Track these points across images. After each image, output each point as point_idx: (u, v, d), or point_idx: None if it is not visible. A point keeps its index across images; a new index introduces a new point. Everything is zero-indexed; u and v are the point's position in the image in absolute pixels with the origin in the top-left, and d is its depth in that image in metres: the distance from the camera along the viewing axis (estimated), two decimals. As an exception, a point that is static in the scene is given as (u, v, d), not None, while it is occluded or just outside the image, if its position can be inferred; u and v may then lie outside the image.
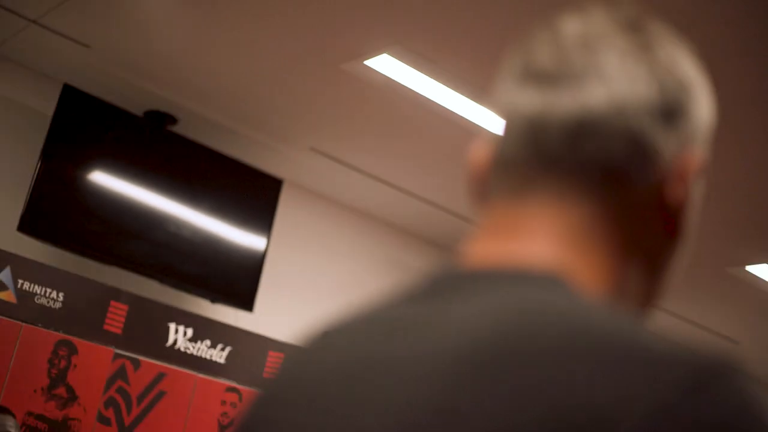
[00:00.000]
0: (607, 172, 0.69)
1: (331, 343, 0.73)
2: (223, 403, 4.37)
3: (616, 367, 0.55)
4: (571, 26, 0.73)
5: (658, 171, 0.70)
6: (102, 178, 4.27)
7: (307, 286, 5.14)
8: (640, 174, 0.69)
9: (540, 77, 0.71)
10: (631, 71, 0.70)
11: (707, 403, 0.53)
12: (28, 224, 4.03)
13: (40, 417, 3.88)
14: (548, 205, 0.70)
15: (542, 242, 0.68)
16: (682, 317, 6.08)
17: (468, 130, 4.08)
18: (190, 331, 4.37)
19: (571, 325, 0.58)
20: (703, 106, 0.74)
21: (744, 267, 5.12)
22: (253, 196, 4.79)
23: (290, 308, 5.04)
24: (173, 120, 4.56)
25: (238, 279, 4.68)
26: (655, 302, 0.74)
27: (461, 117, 4.02)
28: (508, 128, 0.72)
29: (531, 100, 0.71)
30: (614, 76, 0.70)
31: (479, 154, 0.77)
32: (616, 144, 0.69)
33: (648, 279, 0.73)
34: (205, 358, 4.37)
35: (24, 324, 3.89)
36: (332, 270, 5.27)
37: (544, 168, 0.70)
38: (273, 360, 4.54)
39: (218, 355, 4.39)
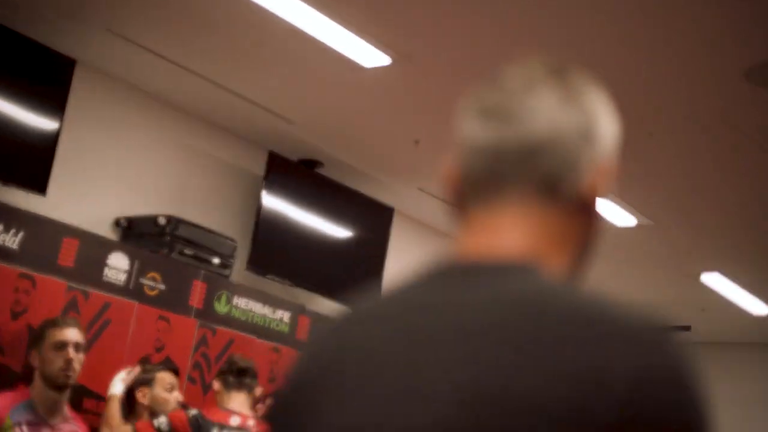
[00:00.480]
0: (550, 183, 0.96)
1: (370, 316, 0.95)
2: (16, 290, 4.23)
3: (609, 338, 0.81)
4: (514, 76, 0.99)
5: (584, 178, 0.97)
6: None
7: (103, 173, 5.00)
8: (572, 182, 0.96)
9: (494, 116, 0.97)
10: (560, 108, 0.97)
11: (665, 353, 0.82)
12: None
13: None
14: (512, 211, 0.96)
15: (514, 238, 0.95)
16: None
17: (278, 25, 4.07)
18: (-21, 216, 4.18)
19: (567, 307, 0.85)
20: (609, 129, 1.00)
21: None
22: (44, 76, 4.58)
23: (86, 195, 4.90)
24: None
25: (29, 161, 4.50)
26: (585, 273, 1.01)
27: (271, 12, 4.01)
28: (473, 154, 0.98)
29: (489, 134, 0.97)
30: (548, 113, 0.96)
31: (450, 171, 1.01)
32: (554, 162, 0.96)
33: (582, 257, 1.00)
34: (-3, 244, 4.20)
35: None
36: (130, 157, 5.15)
37: (505, 183, 0.96)
38: (68, 247, 4.42)
39: (11, 240, 4.23)
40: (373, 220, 6.12)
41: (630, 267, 7.35)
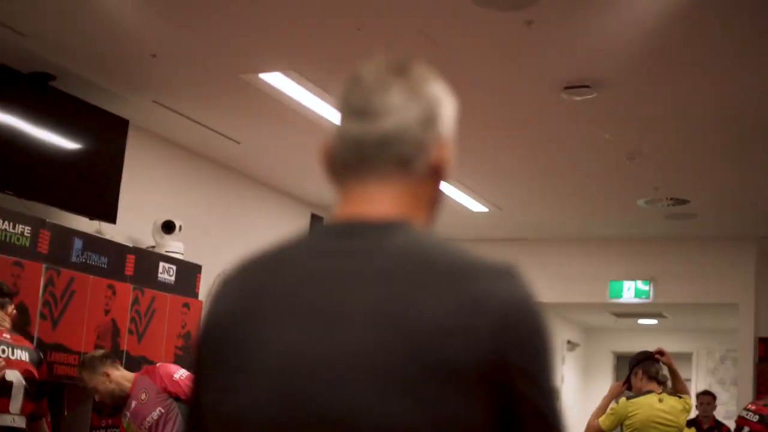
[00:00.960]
0: (403, 162, 1.26)
1: (279, 261, 1.23)
2: None
3: (483, 274, 1.15)
4: (369, 75, 1.27)
5: (430, 154, 1.27)
6: None
7: None
8: (421, 159, 1.26)
9: (356, 114, 1.26)
10: (406, 104, 1.26)
11: (518, 282, 1.16)
12: None
13: None
14: (379, 185, 1.25)
15: (383, 205, 1.25)
16: (197, 121, 6.57)
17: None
18: None
19: (443, 253, 1.18)
20: (447, 111, 1.30)
21: (257, 74, 5.70)
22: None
23: None
24: None
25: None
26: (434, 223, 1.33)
27: None
28: (342, 143, 1.27)
29: (353, 127, 1.26)
30: (397, 109, 1.25)
31: (324, 154, 1.30)
32: (404, 147, 1.25)
33: (433, 213, 1.31)
34: None
35: None
36: None
37: (371, 165, 1.25)
38: None
39: None
40: (108, 133, 6.16)
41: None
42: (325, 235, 1.25)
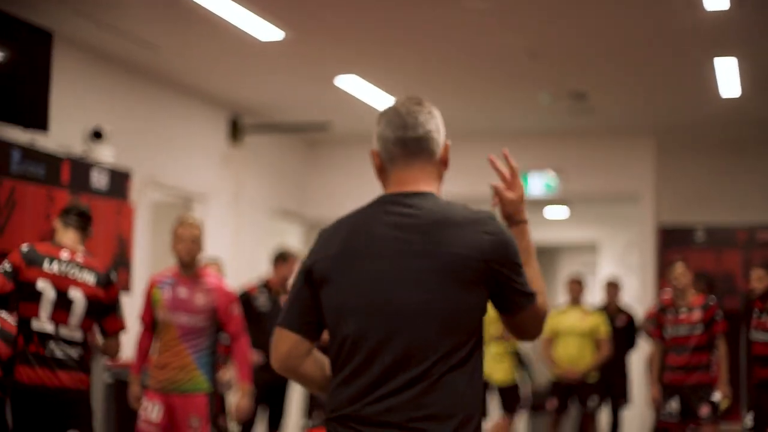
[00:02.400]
0: (430, 155, 2.28)
1: (365, 215, 2.27)
2: None
3: (468, 228, 2.18)
4: (400, 106, 2.29)
5: (441, 150, 2.30)
6: None
7: None
8: (438, 153, 2.29)
9: (400, 127, 2.27)
10: (427, 119, 2.28)
11: (497, 224, 2.24)
12: None
13: None
14: (417, 169, 2.27)
15: (421, 182, 2.27)
16: (119, 29, 6.77)
17: None
18: None
19: (448, 211, 2.21)
20: (443, 126, 2.31)
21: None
22: None
23: None
24: None
25: None
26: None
27: None
28: (393, 145, 2.27)
29: (399, 135, 2.27)
30: (423, 122, 2.27)
31: (375, 154, 2.30)
32: (431, 144, 2.28)
33: (441, 185, 2.32)
34: None
35: None
36: None
37: (412, 157, 2.26)
38: None
39: None
40: (34, 44, 6.32)
41: (275, 77, 8.15)
42: (389, 202, 2.24)
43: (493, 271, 2.16)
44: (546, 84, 8.18)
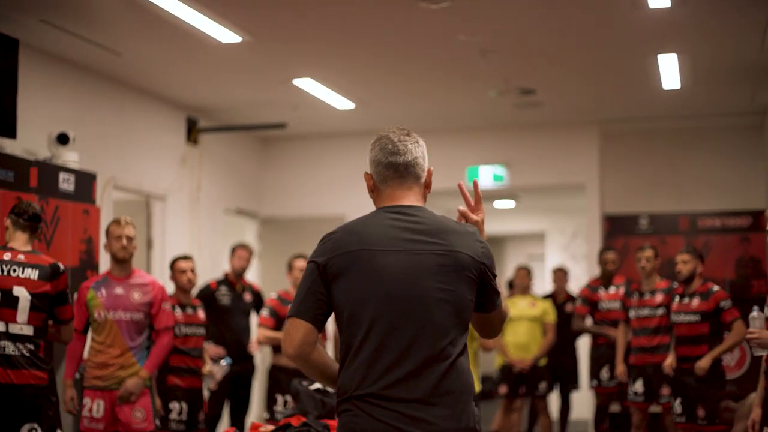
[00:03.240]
0: (418, 177, 2.70)
1: (368, 223, 2.67)
2: None
3: (466, 236, 2.64)
4: (392, 135, 2.69)
5: (425, 174, 2.72)
6: None
7: None
8: (423, 176, 2.71)
9: (391, 153, 2.67)
10: (415, 147, 2.70)
11: (480, 236, 2.72)
12: None
13: None
14: (407, 189, 2.68)
15: (411, 199, 2.68)
16: (81, 37, 6.88)
17: None
18: None
19: (445, 222, 2.65)
20: (426, 153, 2.74)
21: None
22: None
23: None
24: None
25: None
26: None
27: None
28: (385, 168, 2.67)
29: (390, 159, 2.67)
30: (412, 151, 2.68)
31: (368, 176, 2.71)
32: (418, 169, 2.70)
33: (424, 204, 2.74)
34: None
35: None
36: None
37: (402, 178, 2.68)
38: None
39: None
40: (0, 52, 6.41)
41: (236, 77, 8.32)
42: (391, 212, 2.60)
43: (484, 274, 2.61)
44: (496, 81, 8.44)
